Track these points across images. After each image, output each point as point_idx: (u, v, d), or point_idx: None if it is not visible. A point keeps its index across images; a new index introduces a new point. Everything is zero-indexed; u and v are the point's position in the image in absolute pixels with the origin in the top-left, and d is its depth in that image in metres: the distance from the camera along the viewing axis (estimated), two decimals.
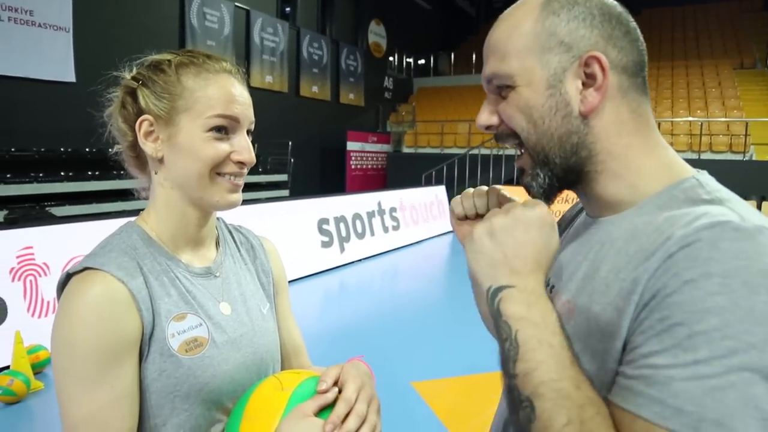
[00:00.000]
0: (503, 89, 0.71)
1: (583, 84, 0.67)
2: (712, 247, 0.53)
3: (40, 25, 8.06)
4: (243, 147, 0.86)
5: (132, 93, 0.86)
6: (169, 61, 0.86)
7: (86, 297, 0.76)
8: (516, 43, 0.69)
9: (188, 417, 0.83)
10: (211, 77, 0.85)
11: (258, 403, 0.80)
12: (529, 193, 0.73)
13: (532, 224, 0.65)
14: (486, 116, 0.74)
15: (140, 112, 0.85)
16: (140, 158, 0.90)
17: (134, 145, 0.88)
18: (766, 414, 0.49)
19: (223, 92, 0.84)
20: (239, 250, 1.00)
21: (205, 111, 0.83)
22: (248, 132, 0.89)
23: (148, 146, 0.85)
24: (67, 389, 0.76)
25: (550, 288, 0.74)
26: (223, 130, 0.84)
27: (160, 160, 0.86)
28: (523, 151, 0.73)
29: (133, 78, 0.87)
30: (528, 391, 0.58)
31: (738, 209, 0.59)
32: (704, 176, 0.69)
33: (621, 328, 0.59)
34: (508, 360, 0.61)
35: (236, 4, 11.90)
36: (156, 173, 0.88)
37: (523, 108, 0.69)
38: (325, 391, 0.77)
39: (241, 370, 0.87)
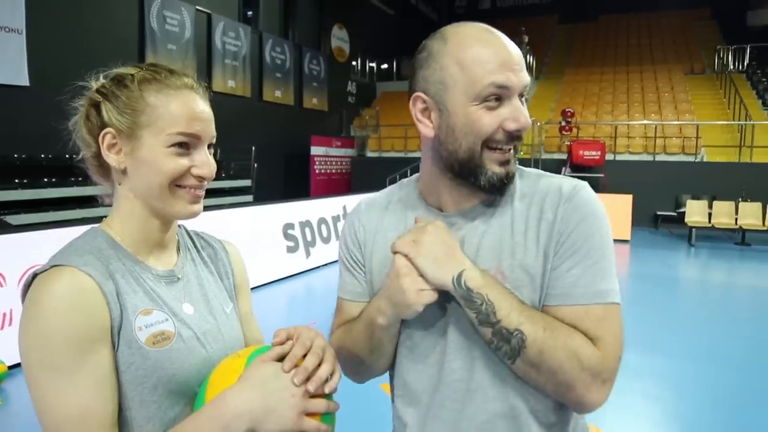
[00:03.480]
0: (523, 97, 0.91)
1: None
2: (585, 197, 0.92)
3: None
4: (203, 162, 0.89)
5: (96, 106, 0.89)
6: (132, 75, 0.88)
7: (55, 289, 0.77)
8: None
9: (157, 409, 0.84)
10: (172, 93, 0.87)
11: (218, 371, 0.85)
12: (508, 181, 0.93)
13: (444, 231, 0.91)
14: (528, 119, 0.91)
15: (103, 125, 0.88)
16: (104, 167, 0.92)
17: (98, 155, 0.90)
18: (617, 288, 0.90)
19: (184, 109, 0.87)
20: (200, 254, 1.04)
21: (167, 128, 0.86)
22: (210, 145, 0.92)
23: (111, 158, 0.88)
24: (44, 382, 0.76)
25: None
26: (184, 146, 0.87)
27: (123, 172, 0.89)
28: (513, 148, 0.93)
29: (97, 91, 0.89)
30: (514, 325, 0.84)
31: (561, 176, 0.98)
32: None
33: (544, 266, 0.90)
34: (488, 315, 0.85)
35: (197, 7, 11.74)
36: (120, 184, 0.91)
37: None
38: (281, 343, 0.83)
39: (207, 365, 0.89)
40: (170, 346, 0.86)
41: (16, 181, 7.03)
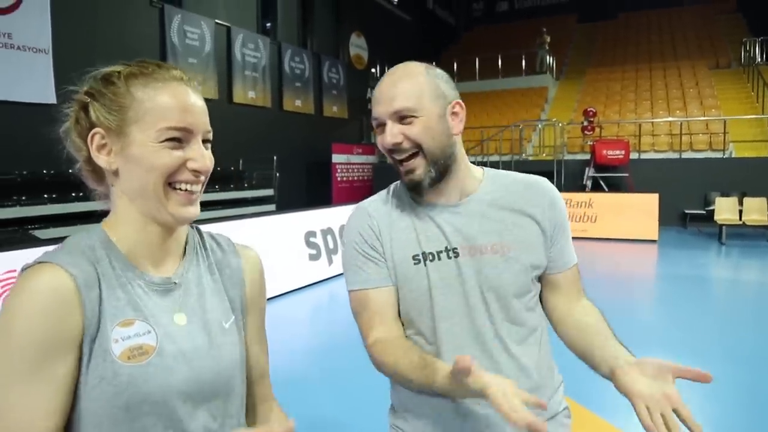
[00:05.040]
0: (407, 118, 1.13)
1: (453, 115, 1.18)
2: (557, 192, 1.27)
3: (19, 48, 8.02)
4: (198, 155, 0.84)
5: (85, 107, 0.85)
6: (118, 72, 0.84)
7: (32, 287, 0.74)
8: (421, 91, 1.14)
9: (129, 430, 0.78)
10: (160, 86, 0.83)
11: None
12: (420, 186, 1.16)
13: None
14: (394, 137, 1.13)
15: (92, 126, 0.84)
16: (97, 172, 0.88)
17: (90, 160, 0.86)
18: None
19: (173, 102, 0.82)
20: (208, 259, 0.95)
21: (157, 122, 0.81)
22: (207, 141, 0.87)
23: (101, 159, 0.84)
24: None
25: (455, 250, 1.19)
26: (176, 140, 0.82)
27: (115, 173, 0.84)
28: (416, 157, 1.15)
29: (86, 93, 0.86)
30: None
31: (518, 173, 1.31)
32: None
33: (545, 237, 1.22)
34: None
35: (216, 21, 11.93)
36: (113, 185, 0.86)
37: (426, 130, 1.14)
38: None
39: (194, 384, 0.83)
40: (147, 362, 0.79)
41: (45, 196, 7.20)
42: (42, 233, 6.43)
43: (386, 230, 1.21)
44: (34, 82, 8.17)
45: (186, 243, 0.94)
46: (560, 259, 1.24)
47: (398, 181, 1.28)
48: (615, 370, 1.01)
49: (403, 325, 1.21)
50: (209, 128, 0.87)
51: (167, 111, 0.81)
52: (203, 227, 1.01)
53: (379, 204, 1.27)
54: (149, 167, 0.81)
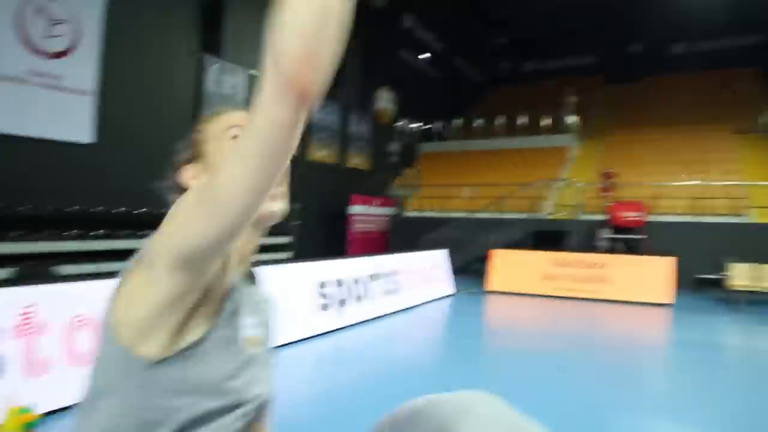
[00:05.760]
0: None
1: None
2: None
3: (64, 90, 8.48)
4: None
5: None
6: None
7: None
8: None
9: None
10: (221, 115, 1.03)
11: None
12: None
13: None
14: None
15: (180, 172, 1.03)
16: None
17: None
18: None
19: (233, 114, 1.01)
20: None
21: (224, 126, 1.00)
22: None
23: (191, 182, 1.00)
24: None
25: None
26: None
27: None
28: None
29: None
30: None
31: None
32: None
33: None
34: None
35: (251, 72, 12.53)
36: None
37: None
38: None
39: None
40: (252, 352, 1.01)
41: (65, 233, 7.49)
42: (64, 269, 6.70)
43: None
44: (72, 122, 8.59)
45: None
46: None
47: None
48: None
49: None
50: None
51: (231, 118, 1.01)
52: None
53: None
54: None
